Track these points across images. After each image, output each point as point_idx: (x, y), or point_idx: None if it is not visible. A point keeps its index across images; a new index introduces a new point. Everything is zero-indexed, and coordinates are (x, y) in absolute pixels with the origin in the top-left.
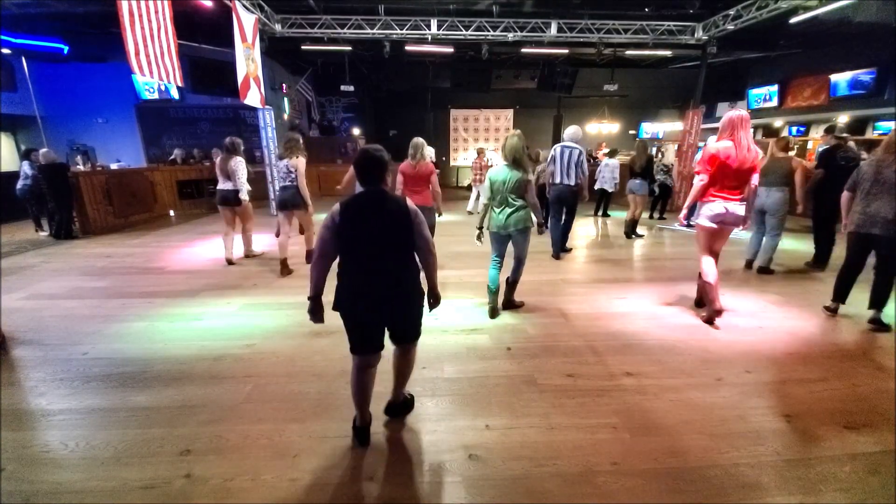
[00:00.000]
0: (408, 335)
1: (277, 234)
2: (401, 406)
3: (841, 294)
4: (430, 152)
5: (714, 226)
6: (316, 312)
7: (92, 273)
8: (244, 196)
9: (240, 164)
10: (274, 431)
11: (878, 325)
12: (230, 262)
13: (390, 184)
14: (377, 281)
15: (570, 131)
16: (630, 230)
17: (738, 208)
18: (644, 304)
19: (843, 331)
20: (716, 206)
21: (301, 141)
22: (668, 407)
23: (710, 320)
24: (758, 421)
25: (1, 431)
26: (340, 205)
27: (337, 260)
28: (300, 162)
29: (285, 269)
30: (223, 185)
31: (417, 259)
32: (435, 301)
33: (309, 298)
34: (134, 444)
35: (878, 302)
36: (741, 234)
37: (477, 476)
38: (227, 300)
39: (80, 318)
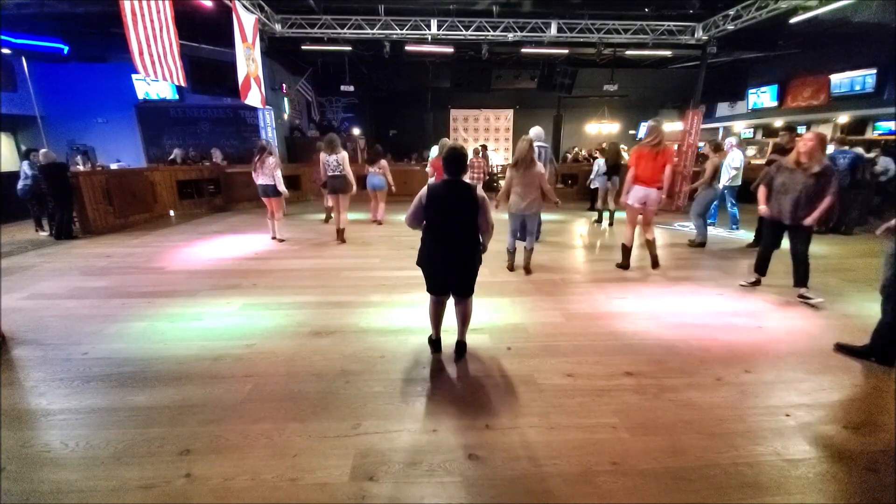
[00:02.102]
0: (463, 291)
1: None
2: (462, 345)
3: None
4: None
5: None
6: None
7: (92, 273)
8: (282, 188)
9: (277, 163)
10: (274, 431)
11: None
12: (274, 239)
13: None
14: (448, 250)
15: (535, 132)
16: (599, 219)
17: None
18: (644, 303)
19: (843, 331)
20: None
21: (339, 140)
22: (667, 407)
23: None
24: (757, 421)
25: (1, 431)
26: (428, 188)
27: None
28: (345, 156)
29: (340, 238)
30: (260, 179)
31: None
32: (483, 250)
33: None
34: (134, 444)
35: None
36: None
37: (477, 476)
38: (227, 300)
39: (80, 318)
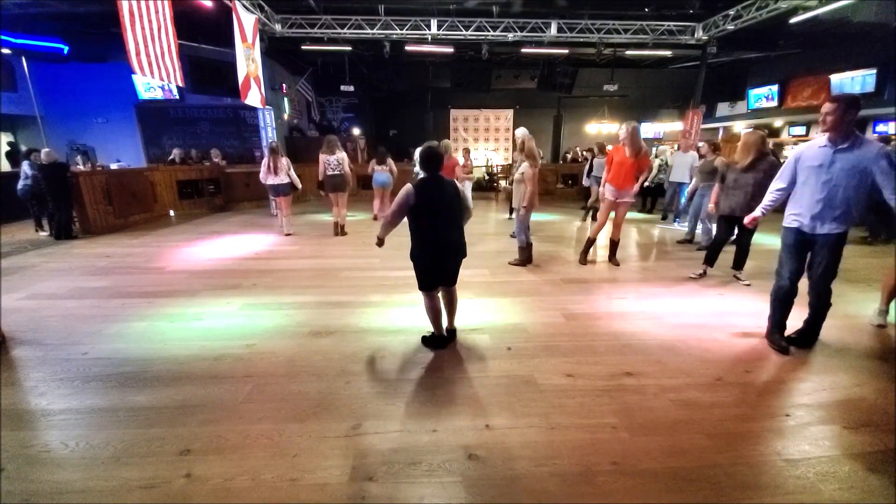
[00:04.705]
0: (453, 280)
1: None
2: (453, 332)
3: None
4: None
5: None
6: (380, 245)
7: (92, 273)
8: (298, 185)
9: (289, 163)
10: (274, 431)
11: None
12: (289, 235)
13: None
14: (445, 240)
15: (524, 132)
16: (589, 214)
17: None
18: (644, 304)
19: (843, 331)
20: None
21: (337, 141)
22: (667, 407)
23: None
24: (757, 421)
25: (1, 431)
26: (413, 186)
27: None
28: (344, 156)
29: (340, 232)
30: (274, 179)
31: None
32: None
33: (379, 238)
34: (134, 444)
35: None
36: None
37: (477, 476)
38: (227, 300)
39: (80, 318)
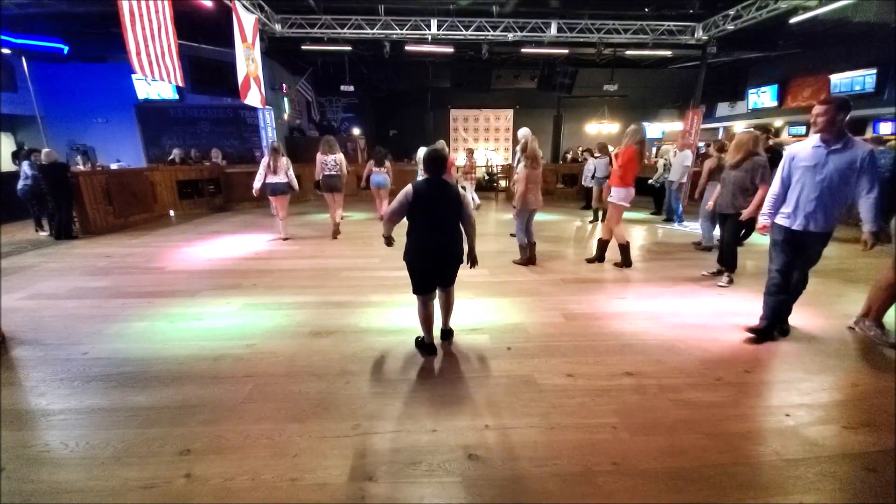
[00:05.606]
0: (450, 282)
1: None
2: (449, 332)
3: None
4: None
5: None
6: (389, 244)
7: (92, 273)
8: (296, 186)
9: (289, 163)
10: (274, 431)
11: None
12: (287, 239)
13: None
14: (438, 245)
15: (523, 132)
16: (595, 218)
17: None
18: (644, 303)
19: (842, 331)
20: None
21: (336, 142)
22: (667, 407)
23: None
24: (757, 421)
25: (1, 431)
26: (413, 186)
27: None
28: (342, 157)
29: (336, 233)
30: (272, 178)
31: (462, 229)
32: (474, 262)
33: (384, 236)
34: (134, 444)
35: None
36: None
37: (477, 476)
38: (227, 300)
39: (80, 318)
